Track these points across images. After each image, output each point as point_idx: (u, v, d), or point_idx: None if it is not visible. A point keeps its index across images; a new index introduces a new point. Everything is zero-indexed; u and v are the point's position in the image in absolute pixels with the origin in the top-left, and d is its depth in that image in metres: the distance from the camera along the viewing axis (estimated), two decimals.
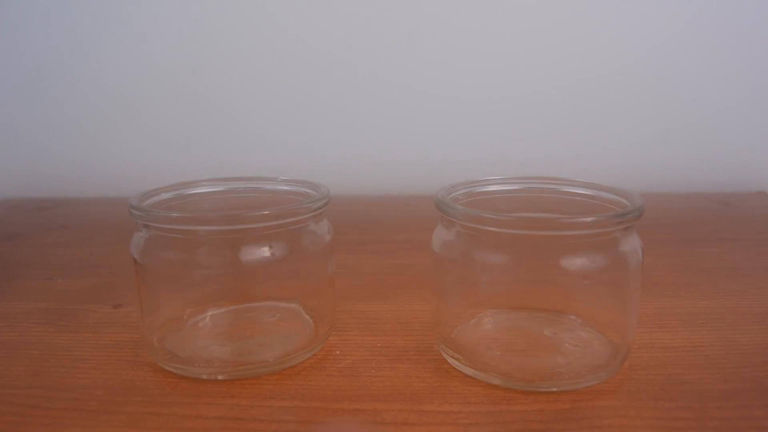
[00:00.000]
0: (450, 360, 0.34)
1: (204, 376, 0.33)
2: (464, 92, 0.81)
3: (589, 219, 0.29)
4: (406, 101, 0.81)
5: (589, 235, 0.30)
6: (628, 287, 0.32)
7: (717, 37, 0.78)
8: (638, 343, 0.36)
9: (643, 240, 0.32)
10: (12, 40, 0.79)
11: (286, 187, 0.40)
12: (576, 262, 0.30)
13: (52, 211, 0.75)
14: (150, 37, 0.79)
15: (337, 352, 0.36)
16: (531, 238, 0.30)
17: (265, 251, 0.33)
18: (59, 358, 0.35)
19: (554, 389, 0.31)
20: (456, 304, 0.35)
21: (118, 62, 0.80)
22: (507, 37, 0.78)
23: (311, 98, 0.81)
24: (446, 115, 0.82)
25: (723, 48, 0.79)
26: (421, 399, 0.31)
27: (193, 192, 0.39)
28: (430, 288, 0.41)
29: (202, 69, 0.80)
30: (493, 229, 0.30)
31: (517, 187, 0.39)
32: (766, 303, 0.42)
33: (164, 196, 0.37)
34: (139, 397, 0.31)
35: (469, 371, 0.33)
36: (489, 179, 0.38)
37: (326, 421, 0.29)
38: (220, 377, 0.33)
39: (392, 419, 0.29)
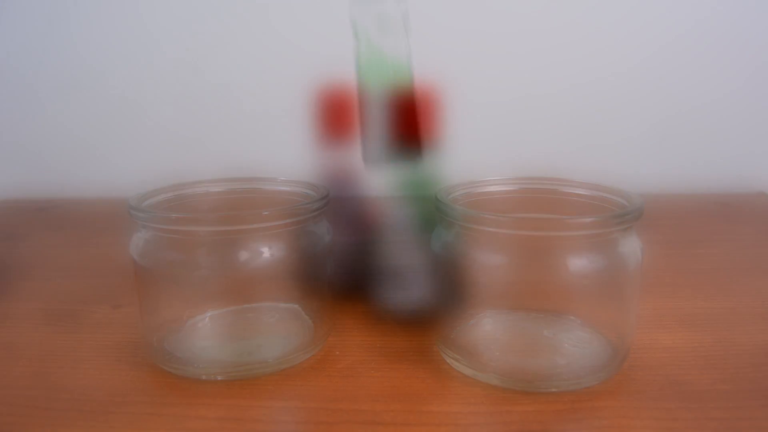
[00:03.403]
0: (449, 361, 0.34)
1: (203, 377, 0.33)
2: (463, 92, 0.81)
3: (588, 219, 0.29)
4: None
5: (588, 235, 0.30)
6: (628, 288, 0.32)
7: (717, 38, 0.78)
8: (637, 343, 0.36)
9: (642, 240, 0.32)
10: (12, 41, 0.79)
11: (285, 188, 0.40)
12: (575, 263, 0.30)
13: (51, 212, 0.75)
14: (150, 37, 0.79)
15: (337, 353, 0.36)
16: (530, 238, 0.30)
17: (264, 252, 0.33)
18: (59, 359, 0.35)
19: (553, 390, 0.31)
20: (455, 304, 0.35)
21: (118, 63, 0.80)
22: (507, 37, 0.79)
23: (311, 98, 0.81)
24: (446, 115, 0.82)
25: (722, 48, 0.79)
26: (420, 399, 0.31)
27: (192, 192, 0.39)
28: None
29: (202, 69, 0.80)
30: (493, 229, 0.30)
31: (516, 188, 0.39)
32: (765, 304, 0.42)
33: (164, 196, 0.37)
34: (139, 398, 0.31)
35: (468, 372, 0.33)
36: (488, 180, 0.38)
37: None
38: (219, 378, 0.33)
39: (392, 420, 0.29)
